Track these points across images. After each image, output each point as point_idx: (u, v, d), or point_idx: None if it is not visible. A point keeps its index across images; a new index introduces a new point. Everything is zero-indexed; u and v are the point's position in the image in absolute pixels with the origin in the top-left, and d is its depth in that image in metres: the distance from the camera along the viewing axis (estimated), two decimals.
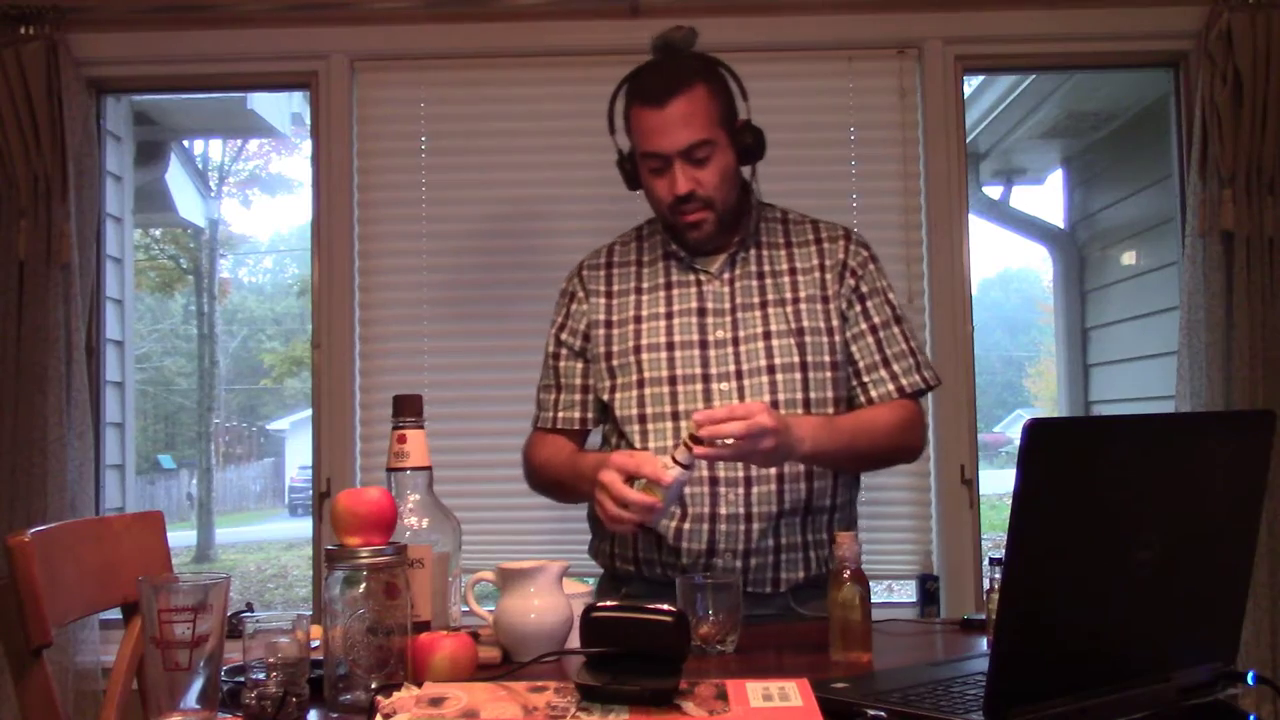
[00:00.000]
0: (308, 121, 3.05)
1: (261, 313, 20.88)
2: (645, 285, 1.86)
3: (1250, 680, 1.19)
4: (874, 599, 1.47)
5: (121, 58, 2.92)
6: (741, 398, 1.75)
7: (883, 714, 1.07)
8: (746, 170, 1.85)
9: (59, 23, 2.79)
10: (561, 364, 1.89)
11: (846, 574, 1.40)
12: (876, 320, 1.82)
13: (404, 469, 1.44)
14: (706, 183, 1.75)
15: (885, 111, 2.90)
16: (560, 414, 1.88)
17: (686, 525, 1.74)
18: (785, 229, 1.88)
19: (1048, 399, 18.29)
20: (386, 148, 2.94)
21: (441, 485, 1.51)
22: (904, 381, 1.81)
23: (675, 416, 1.76)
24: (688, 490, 1.71)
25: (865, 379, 1.81)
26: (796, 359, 1.77)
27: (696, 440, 1.51)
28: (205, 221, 12.78)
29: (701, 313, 1.81)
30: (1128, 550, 1.07)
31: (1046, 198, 6.00)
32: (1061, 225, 4.99)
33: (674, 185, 1.75)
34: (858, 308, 1.82)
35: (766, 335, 1.78)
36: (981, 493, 2.90)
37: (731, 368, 1.77)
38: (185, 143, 7.01)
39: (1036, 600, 1.03)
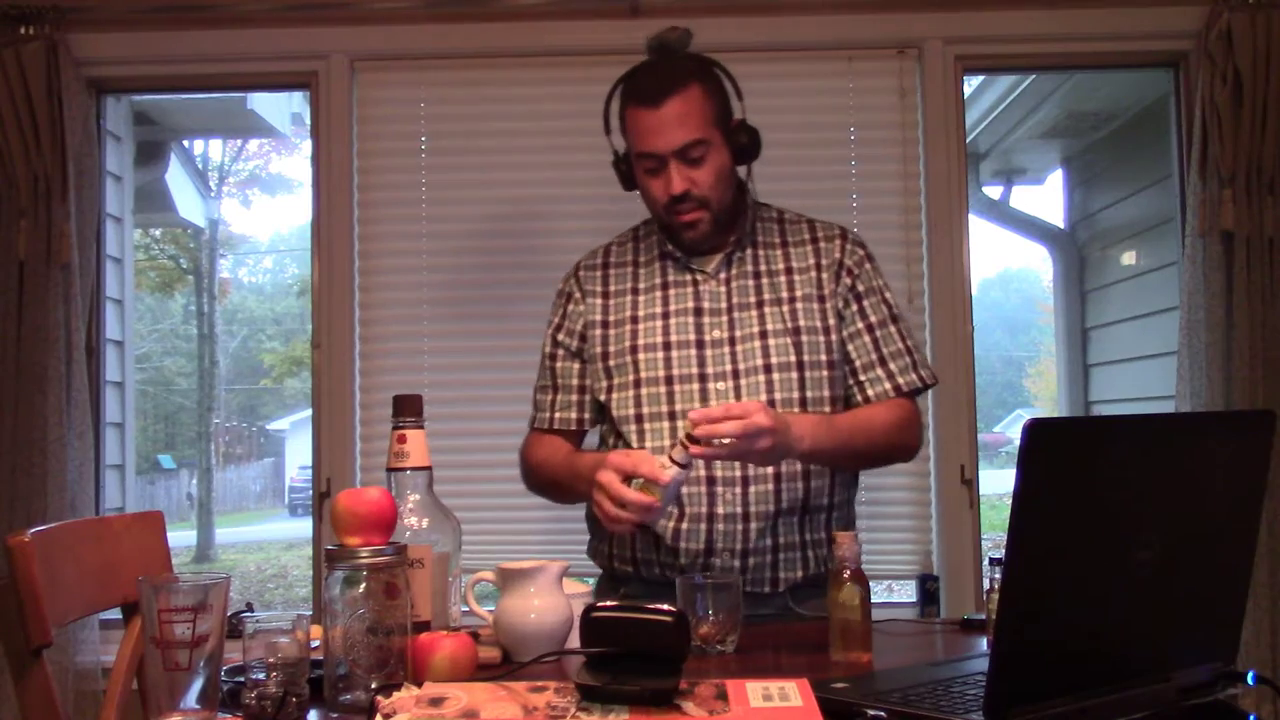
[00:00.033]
0: (308, 121, 3.05)
1: (261, 313, 20.89)
2: (642, 285, 1.86)
3: (1250, 680, 1.19)
4: (874, 599, 1.47)
5: (121, 58, 2.92)
6: (738, 397, 1.75)
7: (883, 714, 1.07)
8: (742, 170, 1.85)
9: (59, 23, 2.79)
10: (558, 364, 1.89)
11: (846, 574, 1.40)
12: (873, 319, 1.83)
13: (404, 469, 1.44)
14: (701, 182, 1.75)
15: (885, 111, 2.90)
16: (557, 414, 1.88)
17: (684, 525, 1.74)
18: (781, 228, 1.88)
19: (1048, 399, 18.29)
20: (386, 148, 2.94)
21: (441, 485, 1.51)
22: (900, 380, 1.81)
23: (672, 416, 1.76)
24: (685, 490, 1.71)
25: (862, 378, 1.81)
26: (793, 358, 1.77)
27: (693, 440, 1.51)
28: (205, 221, 12.78)
29: (698, 312, 1.81)
30: (1128, 550, 1.07)
31: (1046, 198, 6.01)
32: (1061, 225, 4.99)
33: (669, 185, 1.75)
34: (854, 307, 1.83)
35: (763, 334, 1.79)
36: (981, 493, 2.90)
37: (728, 367, 1.78)
38: (185, 143, 7.01)
39: (1036, 600, 1.03)
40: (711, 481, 1.73)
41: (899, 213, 2.88)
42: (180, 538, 12.02)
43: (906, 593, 2.96)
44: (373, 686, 1.14)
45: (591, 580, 1.93)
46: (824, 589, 1.44)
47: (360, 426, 2.89)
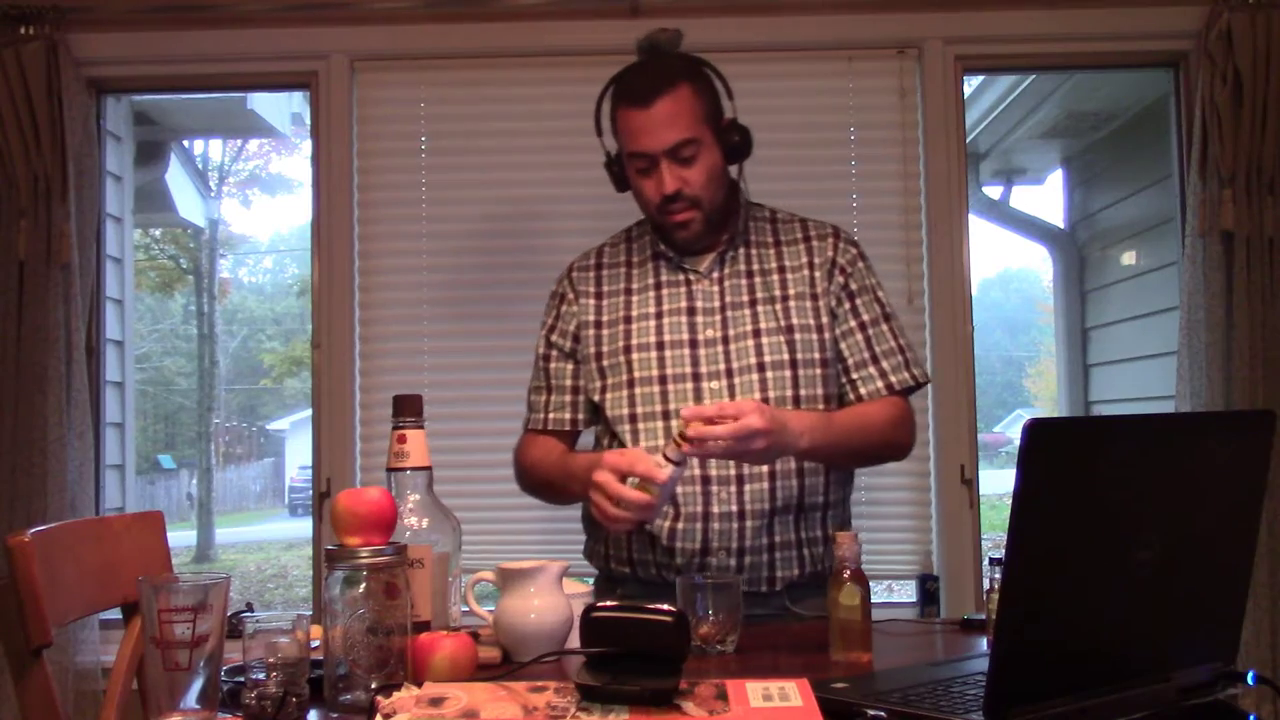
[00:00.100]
0: (308, 121, 3.05)
1: (261, 313, 20.89)
2: (635, 286, 1.86)
3: (1250, 680, 1.19)
4: (874, 599, 1.47)
5: (121, 58, 2.92)
6: (732, 396, 1.75)
7: (883, 714, 1.07)
8: (734, 170, 1.85)
9: (59, 23, 2.79)
10: (552, 365, 1.89)
11: (846, 574, 1.40)
12: (865, 318, 1.83)
13: (404, 469, 1.44)
14: (693, 181, 1.76)
15: (885, 111, 2.90)
16: (551, 415, 1.88)
17: (680, 525, 1.74)
18: (774, 228, 1.89)
19: (1048, 399, 18.29)
20: (386, 148, 2.94)
21: (441, 485, 1.51)
22: (893, 379, 1.81)
23: (666, 416, 1.77)
24: (680, 490, 1.72)
25: (854, 376, 1.82)
26: (786, 356, 1.77)
27: (687, 438, 1.51)
28: (205, 221, 12.79)
29: (691, 312, 1.82)
30: (1128, 550, 1.07)
31: (1046, 198, 6.01)
32: (1061, 225, 4.99)
33: (661, 185, 1.75)
34: (847, 305, 1.83)
35: (756, 333, 1.79)
36: (981, 493, 2.90)
37: (721, 366, 1.78)
38: (185, 143, 7.01)
39: (1036, 600, 1.03)
40: (706, 481, 1.74)
41: (899, 213, 2.88)
42: (180, 538, 12.03)
43: (906, 593, 2.96)
44: (373, 686, 1.14)
45: (591, 580, 1.93)
46: (821, 588, 1.44)
47: (360, 426, 2.89)
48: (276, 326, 20.30)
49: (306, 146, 3.21)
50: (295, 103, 6.01)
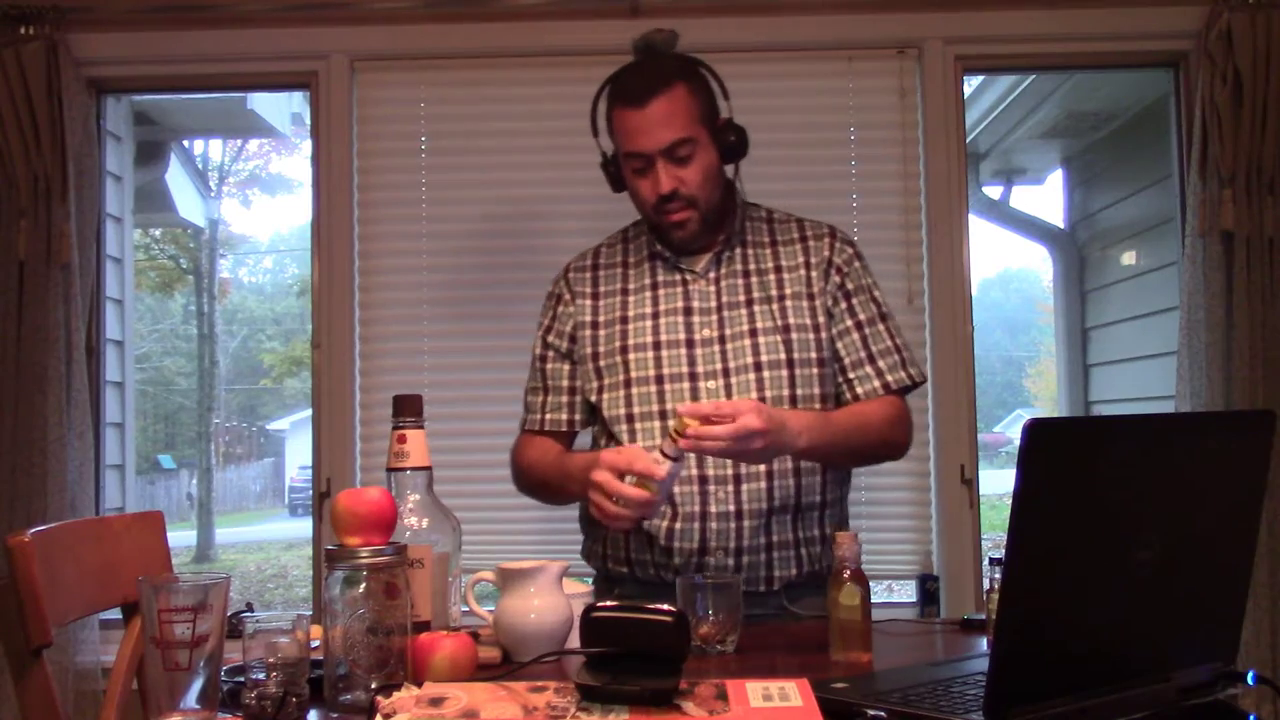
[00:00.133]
0: (308, 121, 3.05)
1: (261, 313, 20.89)
2: (631, 286, 1.87)
3: (1250, 680, 1.19)
4: (874, 599, 1.47)
5: (121, 58, 2.92)
6: (729, 395, 1.76)
7: (883, 714, 1.07)
8: (730, 170, 1.86)
9: (59, 23, 2.79)
10: (548, 366, 1.89)
11: (846, 574, 1.40)
12: (862, 317, 1.83)
13: (404, 469, 1.44)
14: (689, 181, 1.76)
15: (885, 111, 2.90)
16: (547, 416, 1.88)
17: (678, 525, 1.74)
18: (770, 227, 1.89)
19: (1048, 399, 18.29)
20: (386, 148, 2.94)
21: (441, 485, 1.51)
22: (889, 378, 1.81)
23: (663, 415, 1.77)
24: (677, 489, 1.72)
25: (851, 375, 1.82)
26: (783, 356, 1.78)
27: (682, 434, 1.51)
28: (205, 221, 12.79)
29: (688, 312, 1.82)
30: (1128, 550, 1.07)
31: (1046, 198, 6.01)
32: (1061, 225, 4.99)
33: (657, 185, 1.76)
34: (843, 305, 1.83)
35: (753, 333, 1.79)
36: (981, 493, 2.90)
37: (718, 365, 1.78)
38: (185, 143, 7.01)
39: (1036, 600, 1.03)
40: (704, 480, 1.74)
41: (899, 213, 2.88)
42: (180, 538, 12.03)
43: (906, 593, 2.96)
44: (373, 686, 1.14)
45: (591, 580, 1.93)
46: (818, 587, 1.44)
47: (360, 426, 2.89)
48: (276, 326, 20.30)
49: (306, 146, 3.22)
50: (295, 103, 6.00)
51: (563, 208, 2.88)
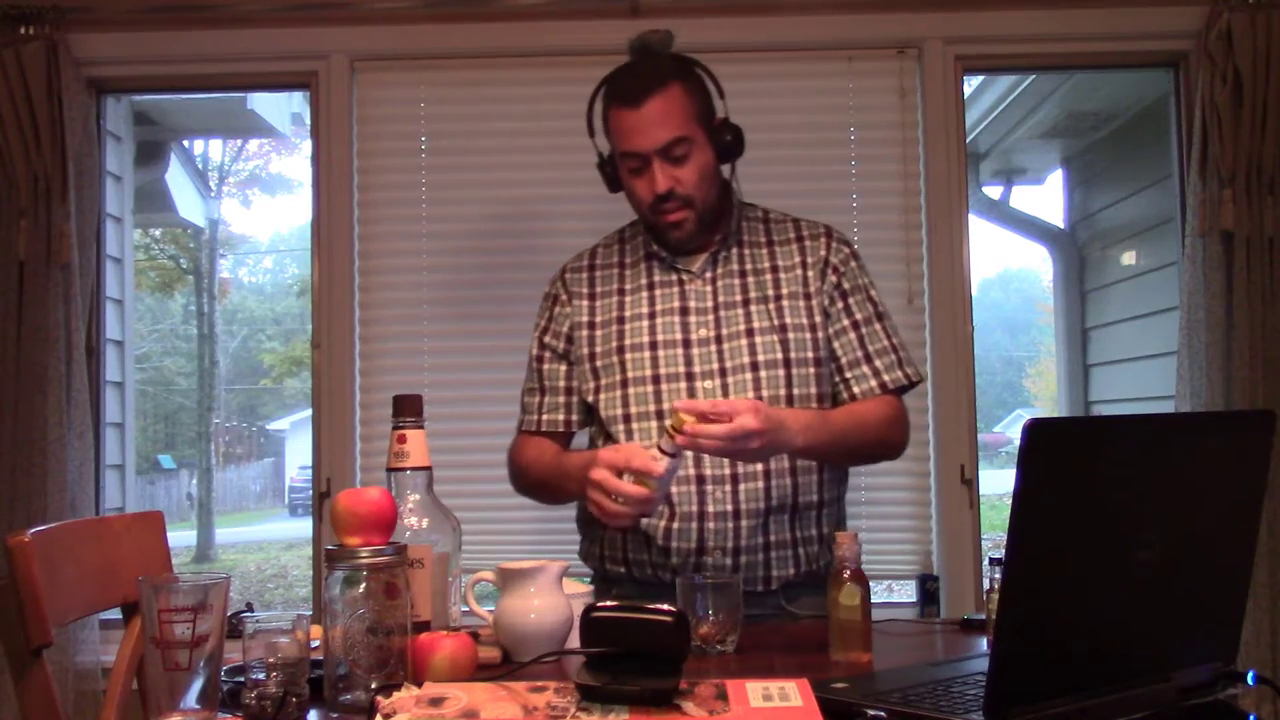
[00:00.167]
0: (308, 121, 3.05)
1: (261, 313, 20.89)
2: (628, 286, 1.87)
3: (1250, 680, 1.19)
4: (874, 599, 1.47)
5: (121, 58, 2.92)
6: (725, 395, 1.76)
7: (883, 714, 1.07)
8: (726, 170, 1.86)
9: (59, 23, 2.79)
10: (545, 366, 1.90)
11: (846, 574, 1.40)
12: (859, 317, 1.83)
13: (404, 469, 1.44)
14: (686, 181, 1.76)
15: (885, 111, 2.90)
16: (544, 416, 1.88)
17: (676, 525, 1.74)
18: (766, 227, 1.89)
19: (1048, 399, 18.29)
20: (386, 148, 2.94)
21: (441, 485, 1.51)
22: (886, 378, 1.82)
23: (660, 415, 1.77)
24: (675, 489, 1.72)
25: (848, 375, 1.82)
26: (780, 355, 1.78)
27: (679, 431, 1.51)
28: (205, 221, 12.79)
29: (684, 312, 1.82)
30: (1128, 550, 1.07)
31: (1046, 198, 6.01)
32: (1061, 225, 4.99)
33: (653, 184, 1.76)
34: (840, 304, 1.83)
35: (749, 333, 1.79)
36: (981, 493, 2.89)
37: (715, 365, 1.78)
38: (185, 143, 7.01)
39: (1036, 600, 1.03)
40: (701, 480, 1.74)
41: (899, 213, 2.88)
42: (180, 538, 12.03)
43: (906, 593, 2.96)
44: (373, 686, 1.14)
45: (589, 580, 1.93)
46: (816, 587, 1.44)
47: (360, 426, 2.89)
48: (276, 326, 20.30)
49: (306, 146, 3.21)
50: (295, 103, 6.00)
51: (562, 208, 2.88)
